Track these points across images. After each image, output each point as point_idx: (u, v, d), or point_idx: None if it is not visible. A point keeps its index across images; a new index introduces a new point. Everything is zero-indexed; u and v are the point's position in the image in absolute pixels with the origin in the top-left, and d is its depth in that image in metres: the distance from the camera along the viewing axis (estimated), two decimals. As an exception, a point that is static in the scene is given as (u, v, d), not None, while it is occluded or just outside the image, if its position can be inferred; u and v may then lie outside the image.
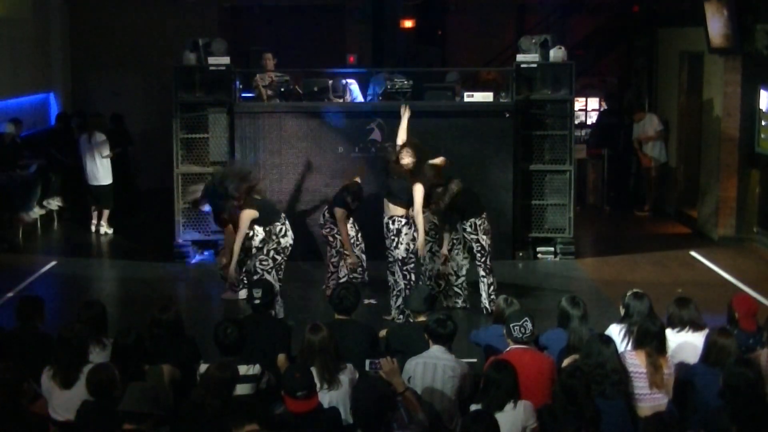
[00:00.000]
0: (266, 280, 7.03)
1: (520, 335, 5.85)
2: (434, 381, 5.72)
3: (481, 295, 9.13)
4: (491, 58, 15.56)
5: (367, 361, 5.59)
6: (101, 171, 12.80)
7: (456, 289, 9.23)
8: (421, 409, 5.25)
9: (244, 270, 9.09)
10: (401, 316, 8.54)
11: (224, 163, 10.86)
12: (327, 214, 9.53)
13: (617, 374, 5.49)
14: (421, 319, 6.53)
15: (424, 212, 8.63)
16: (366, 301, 9.10)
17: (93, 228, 13.04)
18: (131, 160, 14.59)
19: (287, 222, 8.84)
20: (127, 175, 14.07)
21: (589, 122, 16.23)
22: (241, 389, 5.54)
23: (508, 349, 5.92)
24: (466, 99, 11.41)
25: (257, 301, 6.72)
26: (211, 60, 11.22)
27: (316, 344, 5.70)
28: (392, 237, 8.65)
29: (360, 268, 9.68)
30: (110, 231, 12.93)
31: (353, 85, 12.07)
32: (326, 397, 5.51)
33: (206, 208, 9.24)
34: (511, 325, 5.88)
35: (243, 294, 9.08)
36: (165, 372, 5.78)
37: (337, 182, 11.11)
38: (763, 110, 11.66)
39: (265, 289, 6.80)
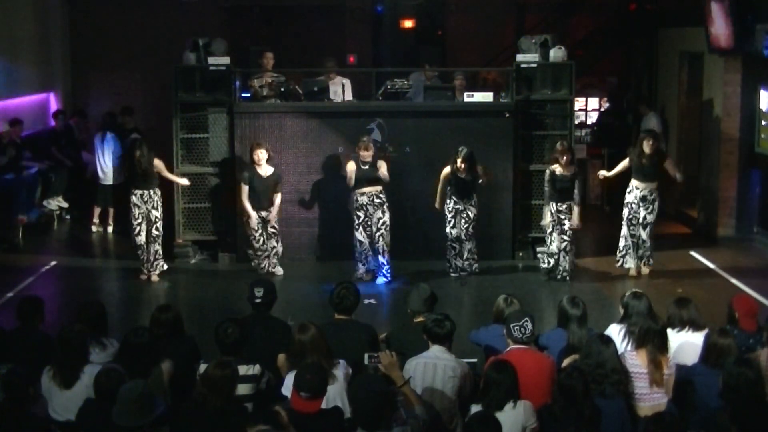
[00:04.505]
0: (268, 279, 7.00)
1: (520, 335, 5.84)
2: (434, 381, 5.71)
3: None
4: (491, 58, 15.54)
5: (366, 355, 5.58)
6: (110, 171, 12.85)
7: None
8: (420, 402, 5.25)
9: None
10: None
11: (223, 163, 10.86)
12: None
13: (617, 374, 5.49)
14: (420, 319, 6.52)
15: None
16: (366, 301, 9.10)
17: (93, 228, 13.05)
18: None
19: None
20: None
21: (589, 122, 16.22)
22: (241, 389, 5.53)
23: (508, 349, 5.91)
24: (466, 99, 11.41)
25: (258, 300, 6.71)
26: (211, 60, 11.23)
27: (307, 344, 5.68)
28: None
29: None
30: (110, 230, 12.97)
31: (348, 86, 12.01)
32: (323, 393, 5.48)
33: None
34: (511, 325, 5.88)
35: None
36: (164, 370, 5.77)
37: (337, 182, 11.14)
38: (763, 110, 11.66)
39: (266, 288, 6.79)
